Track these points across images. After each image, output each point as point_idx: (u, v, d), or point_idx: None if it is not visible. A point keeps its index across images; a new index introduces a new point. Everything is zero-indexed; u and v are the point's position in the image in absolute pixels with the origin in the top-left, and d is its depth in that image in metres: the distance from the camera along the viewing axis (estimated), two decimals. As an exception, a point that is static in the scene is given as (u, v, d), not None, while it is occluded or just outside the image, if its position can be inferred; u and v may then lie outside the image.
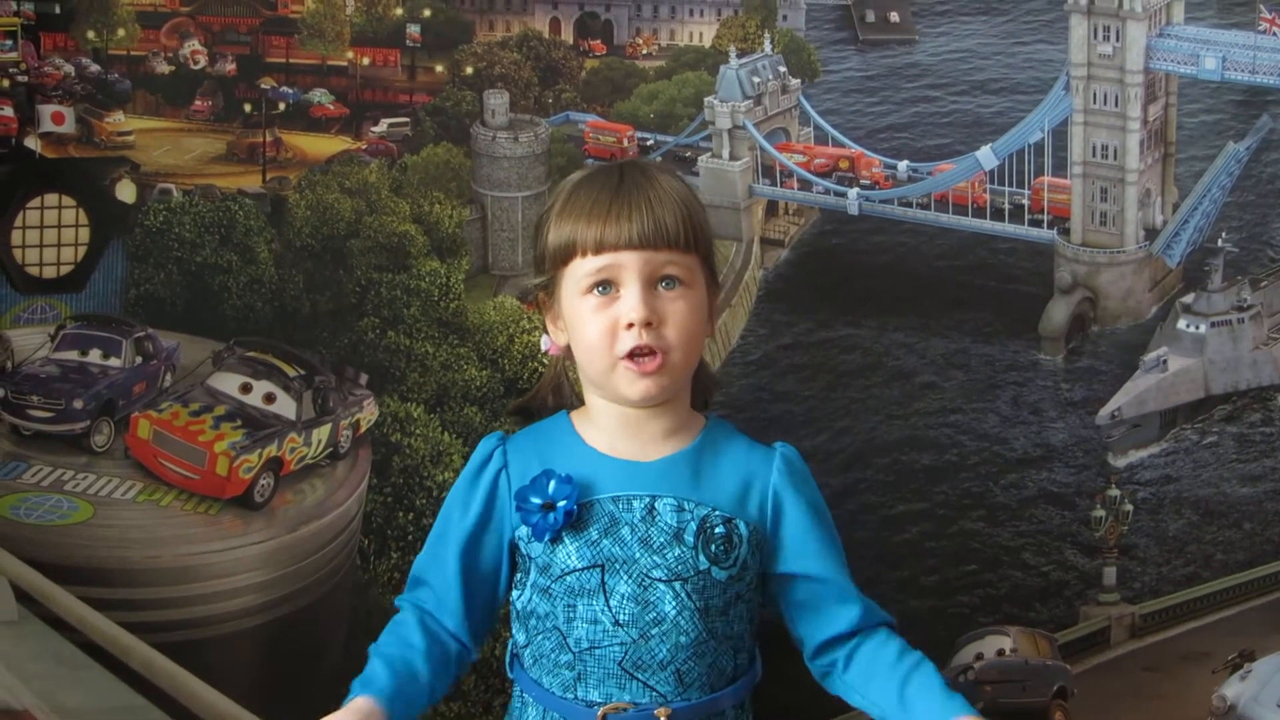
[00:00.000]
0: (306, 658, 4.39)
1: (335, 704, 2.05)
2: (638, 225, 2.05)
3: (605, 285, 2.07)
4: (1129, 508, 5.75)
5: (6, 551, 4.09)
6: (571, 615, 2.06)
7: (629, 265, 2.05)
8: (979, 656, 5.36)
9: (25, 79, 4.37)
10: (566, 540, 2.07)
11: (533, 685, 2.12)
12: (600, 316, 2.06)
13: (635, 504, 2.07)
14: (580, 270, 2.08)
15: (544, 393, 2.25)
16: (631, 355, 2.05)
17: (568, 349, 2.17)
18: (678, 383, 2.12)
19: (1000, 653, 5.39)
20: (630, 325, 2.05)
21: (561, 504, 2.06)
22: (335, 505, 4.50)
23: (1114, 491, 5.74)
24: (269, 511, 4.40)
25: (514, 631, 2.18)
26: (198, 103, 4.70)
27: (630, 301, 2.05)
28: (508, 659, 2.21)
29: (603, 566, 2.05)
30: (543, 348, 2.25)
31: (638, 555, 2.05)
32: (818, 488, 2.21)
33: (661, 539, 2.06)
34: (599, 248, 2.06)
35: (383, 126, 4.92)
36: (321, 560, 4.44)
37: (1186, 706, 5.44)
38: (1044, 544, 5.64)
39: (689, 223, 2.09)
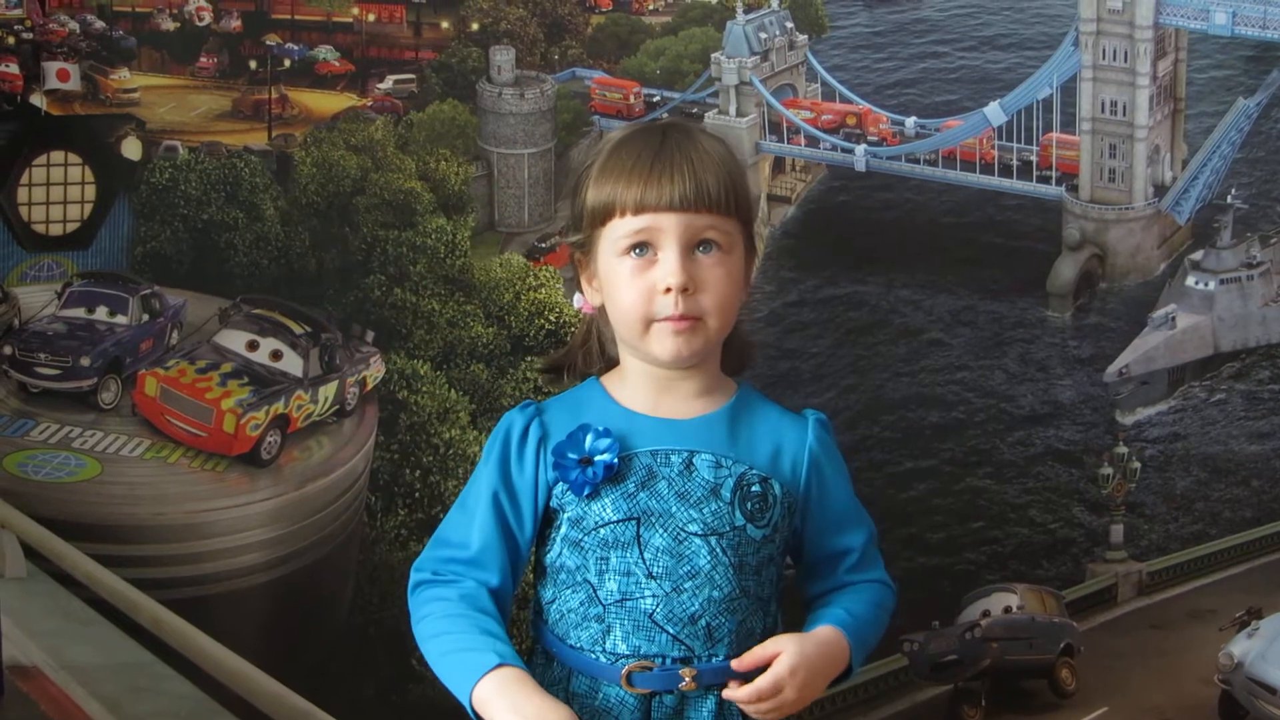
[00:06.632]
0: (313, 614, 4.40)
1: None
2: (679, 187, 2.03)
3: (643, 247, 2.05)
4: (1136, 465, 5.76)
5: (15, 508, 4.10)
6: (604, 568, 2.05)
7: (668, 228, 2.03)
8: (986, 613, 5.37)
9: (30, 36, 4.37)
10: (603, 493, 2.06)
11: (557, 641, 2.10)
12: (637, 280, 2.05)
13: (673, 458, 2.06)
14: (618, 231, 2.06)
15: (575, 350, 2.24)
16: (666, 318, 2.05)
17: (601, 309, 2.15)
18: (709, 347, 2.11)
19: (1007, 610, 5.40)
20: (667, 290, 2.04)
21: (601, 458, 2.05)
22: (342, 462, 4.50)
23: (1121, 449, 5.75)
24: (276, 468, 4.41)
25: (539, 588, 2.16)
26: (203, 59, 4.69)
27: (668, 266, 2.03)
28: (531, 617, 2.19)
29: (638, 519, 2.04)
30: (575, 305, 2.23)
31: (674, 509, 2.04)
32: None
33: (699, 493, 2.05)
34: (639, 208, 2.04)
35: (388, 83, 4.91)
36: (328, 517, 4.45)
37: (1193, 664, 5.45)
38: (1051, 501, 5.65)
39: (730, 186, 2.06)
